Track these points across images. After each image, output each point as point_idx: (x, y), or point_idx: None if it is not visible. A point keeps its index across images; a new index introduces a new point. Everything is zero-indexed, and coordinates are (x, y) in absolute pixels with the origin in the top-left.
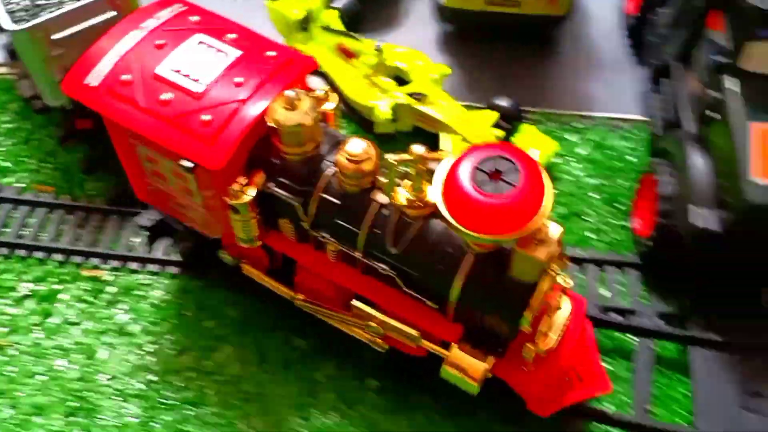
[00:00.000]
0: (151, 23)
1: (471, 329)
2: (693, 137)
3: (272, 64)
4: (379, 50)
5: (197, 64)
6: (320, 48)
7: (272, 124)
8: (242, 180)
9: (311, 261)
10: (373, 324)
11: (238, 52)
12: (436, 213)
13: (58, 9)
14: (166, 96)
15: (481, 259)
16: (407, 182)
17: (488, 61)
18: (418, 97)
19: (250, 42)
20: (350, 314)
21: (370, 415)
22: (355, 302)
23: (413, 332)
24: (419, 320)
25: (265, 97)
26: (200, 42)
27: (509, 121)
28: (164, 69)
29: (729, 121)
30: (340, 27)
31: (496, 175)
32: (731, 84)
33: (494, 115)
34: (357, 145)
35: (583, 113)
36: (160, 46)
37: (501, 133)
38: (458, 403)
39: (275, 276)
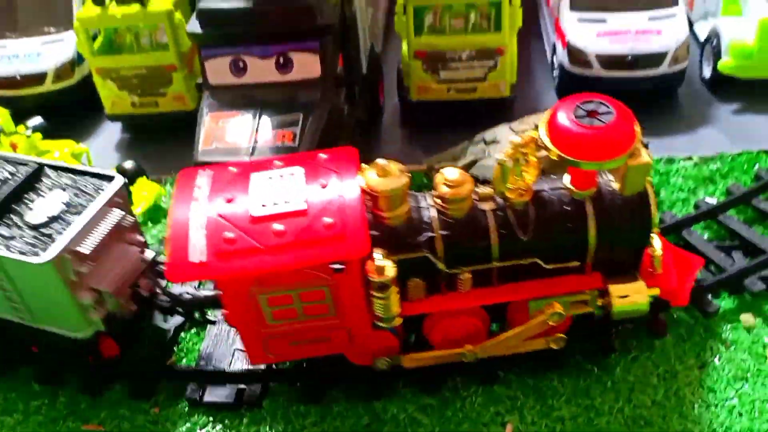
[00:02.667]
0: (200, 192)
1: (606, 270)
2: None
3: (332, 161)
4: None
5: (278, 193)
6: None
7: (377, 194)
8: (379, 252)
9: (453, 303)
10: (554, 310)
11: (300, 168)
12: (537, 192)
13: (67, 226)
14: (278, 227)
15: (596, 201)
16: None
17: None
18: None
19: (296, 158)
20: (521, 326)
21: None
22: (533, 302)
23: (593, 292)
24: (569, 288)
25: (352, 182)
26: (262, 178)
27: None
28: (256, 210)
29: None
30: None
31: (593, 113)
32: (205, 96)
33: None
34: (452, 172)
35: None
36: (231, 200)
37: None
38: None
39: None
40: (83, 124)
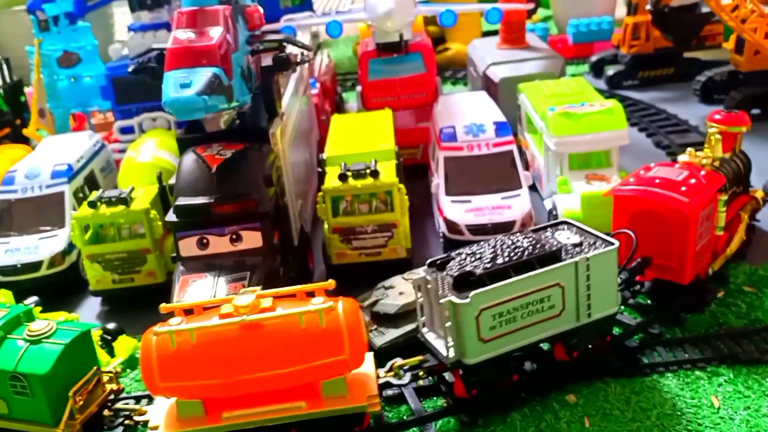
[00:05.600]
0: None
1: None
2: None
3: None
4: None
5: (672, 174)
6: None
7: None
8: None
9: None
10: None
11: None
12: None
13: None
14: (692, 181)
15: (735, 155)
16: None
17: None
18: None
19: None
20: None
21: None
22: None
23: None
24: (743, 202)
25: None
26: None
27: (114, 336)
28: (677, 178)
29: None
30: None
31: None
32: (178, 265)
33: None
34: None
35: None
36: (661, 177)
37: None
38: None
39: None
40: (69, 299)
